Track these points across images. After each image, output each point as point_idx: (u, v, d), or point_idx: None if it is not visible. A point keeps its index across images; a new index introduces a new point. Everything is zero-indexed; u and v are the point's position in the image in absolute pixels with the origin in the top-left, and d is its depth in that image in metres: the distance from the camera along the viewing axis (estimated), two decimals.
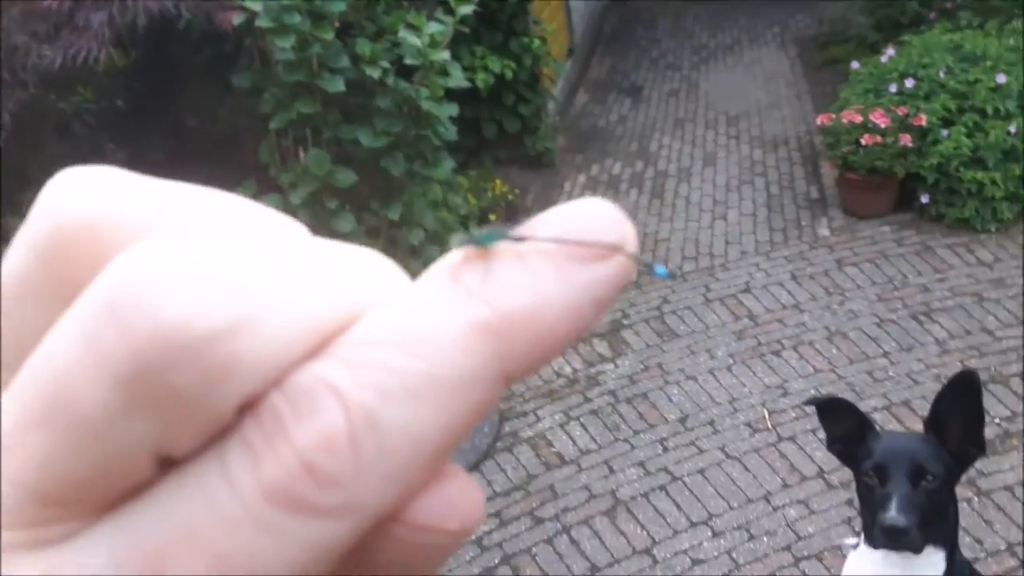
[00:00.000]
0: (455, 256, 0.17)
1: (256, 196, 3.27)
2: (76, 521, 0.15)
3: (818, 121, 4.15)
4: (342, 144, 3.42)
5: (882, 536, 1.36)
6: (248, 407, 0.15)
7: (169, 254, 0.14)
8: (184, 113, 4.59)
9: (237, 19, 3.10)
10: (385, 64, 3.23)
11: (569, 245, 0.16)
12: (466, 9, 3.43)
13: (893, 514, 1.33)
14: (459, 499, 0.16)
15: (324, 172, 3.23)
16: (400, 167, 3.41)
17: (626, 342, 3.40)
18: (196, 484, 0.15)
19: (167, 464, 0.15)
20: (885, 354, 3.11)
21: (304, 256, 0.16)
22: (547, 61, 4.82)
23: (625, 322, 3.52)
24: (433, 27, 3.28)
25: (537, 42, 4.65)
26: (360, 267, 0.17)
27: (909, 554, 1.39)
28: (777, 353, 3.20)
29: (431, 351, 0.15)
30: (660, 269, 0.20)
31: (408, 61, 3.26)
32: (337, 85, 3.16)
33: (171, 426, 0.14)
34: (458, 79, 3.45)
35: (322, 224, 3.37)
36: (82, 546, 0.15)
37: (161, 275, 0.14)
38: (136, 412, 0.14)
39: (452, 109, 3.46)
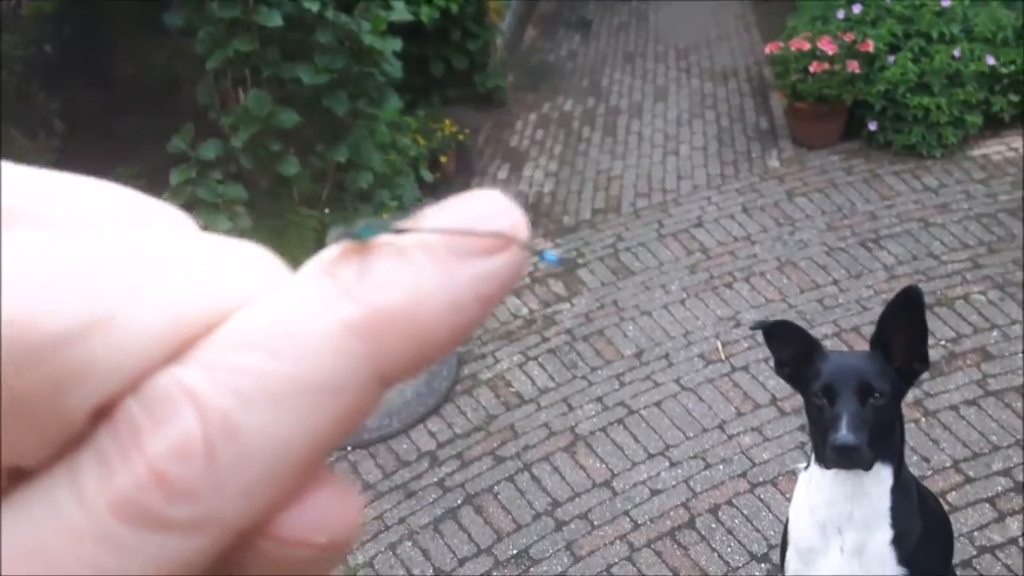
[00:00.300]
0: (332, 251, 0.16)
1: (196, 141, 3.16)
2: None
3: (767, 50, 4.12)
4: (283, 84, 3.29)
5: (833, 455, 1.38)
6: (104, 414, 0.14)
7: (19, 247, 0.14)
8: (118, 58, 4.38)
9: None
10: None
11: (455, 238, 0.16)
12: None
13: (844, 433, 1.35)
14: (330, 511, 0.15)
15: (265, 113, 3.11)
16: (344, 106, 3.31)
17: (582, 281, 3.39)
18: (45, 497, 0.14)
19: (18, 476, 0.14)
20: (835, 282, 3.15)
21: (177, 252, 0.15)
22: None
23: (580, 261, 3.51)
24: None
25: None
26: (238, 263, 0.16)
27: (858, 471, 1.42)
28: (729, 285, 3.23)
29: (296, 352, 0.14)
30: (550, 255, 0.19)
31: None
32: (274, 20, 3.03)
33: (17, 435, 0.14)
34: (401, 12, 3.34)
35: (266, 168, 3.28)
36: None
37: (8, 270, 0.13)
38: None
39: (396, 44, 3.35)
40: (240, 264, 0.16)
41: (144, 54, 4.36)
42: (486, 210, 0.16)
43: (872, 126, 3.86)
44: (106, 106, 4.42)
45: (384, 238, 0.16)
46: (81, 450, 0.14)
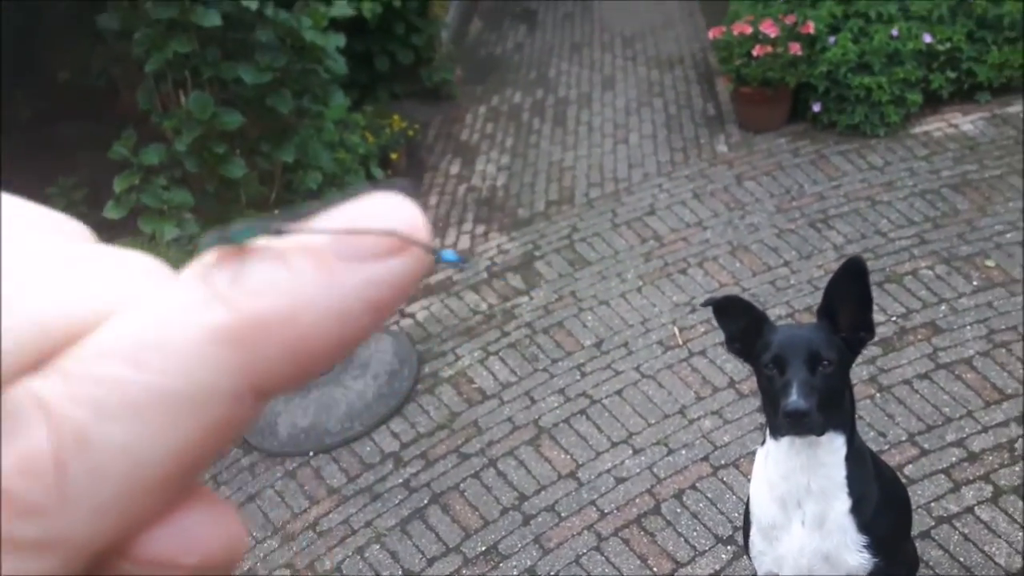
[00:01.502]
0: (208, 256, 0.15)
1: (137, 145, 3.07)
2: None
3: (710, 36, 4.16)
4: (225, 84, 3.22)
5: (785, 422, 1.40)
6: None
7: None
8: (53, 65, 4.25)
9: None
10: None
11: (343, 240, 0.15)
12: None
13: (794, 398, 1.38)
14: (202, 530, 0.14)
15: (208, 115, 3.04)
16: (288, 105, 3.25)
17: (539, 273, 3.39)
18: None
19: None
20: (786, 263, 3.20)
21: (50, 261, 0.14)
22: None
23: (536, 254, 3.50)
24: None
25: None
26: (119, 271, 0.15)
27: (812, 439, 1.44)
28: (683, 271, 3.25)
29: (159, 361, 0.13)
30: (448, 255, 0.18)
31: None
32: (212, 19, 2.96)
33: None
34: (342, 7, 3.29)
35: (211, 172, 3.20)
36: None
37: None
38: None
39: (338, 40, 3.30)
40: (121, 272, 0.15)
41: (81, 58, 4.23)
42: (381, 211, 0.15)
43: (816, 107, 3.92)
44: (43, 114, 4.28)
45: (262, 241, 0.15)
46: None
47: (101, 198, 3.67)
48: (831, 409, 1.44)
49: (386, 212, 0.15)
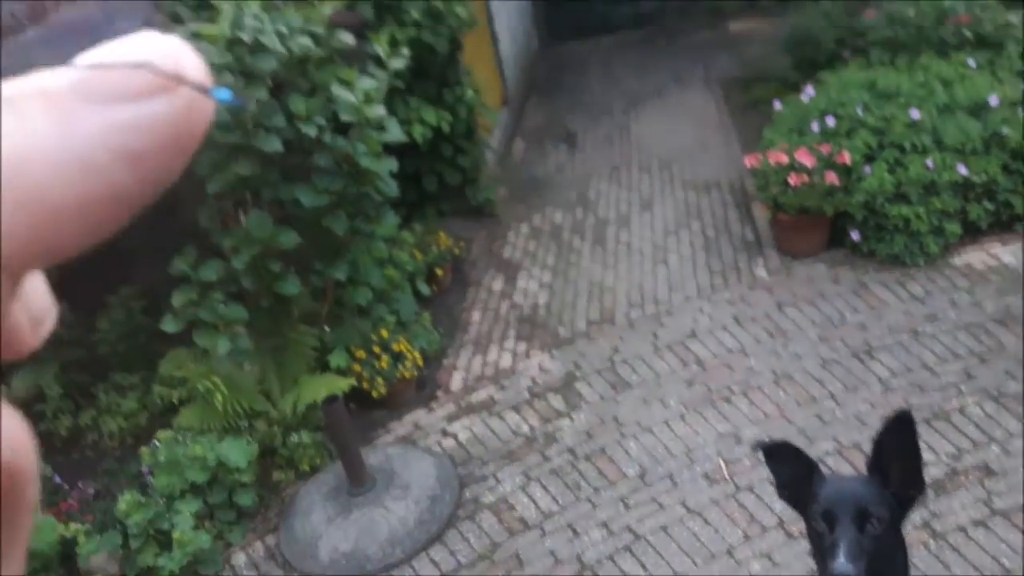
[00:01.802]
0: None
1: (197, 261, 3.18)
2: None
3: (747, 163, 4.27)
4: (283, 205, 3.35)
5: None
6: None
7: None
8: None
9: None
10: (321, 121, 3.19)
11: (91, 78, 0.13)
12: (399, 63, 3.43)
13: (841, 560, 1.35)
14: None
15: (267, 235, 3.15)
16: (343, 226, 3.36)
17: (580, 395, 3.40)
18: None
19: None
20: (831, 395, 3.18)
21: None
22: (482, 111, 4.85)
23: (578, 374, 3.52)
24: (367, 83, 3.27)
25: (471, 92, 4.67)
26: None
27: None
28: (727, 399, 3.25)
29: None
30: (222, 94, 0.16)
31: (344, 118, 3.24)
32: (274, 144, 3.09)
33: None
34: (395, 134, 3.43)
35: (266, 288, 3.29)
36: None
37: None
38: None
39: (391, 164, 3.43)
40: None
41: None
42: (142, 46, 0.13)
43: (855, 236, 3.97)
44: None
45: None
46: None
47: (158, 308, 3.78)
48: (881, 569, 1.40)
49: (147, 47, 0.13)
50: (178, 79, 0.13)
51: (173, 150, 0.13)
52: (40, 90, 0.13)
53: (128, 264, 4.31)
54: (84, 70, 0.13)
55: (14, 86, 0.13)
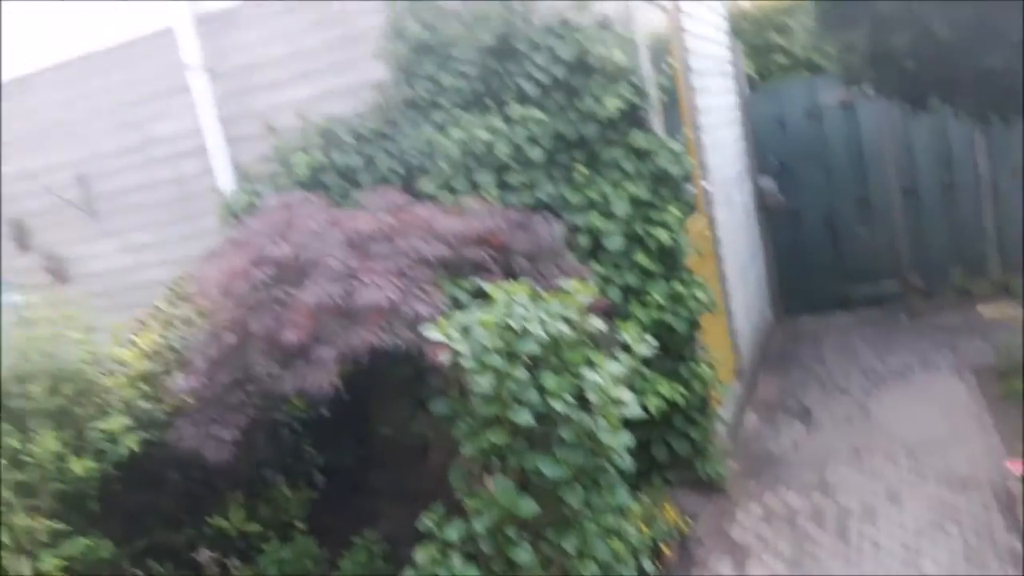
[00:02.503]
0: None
1: (442, 520, 3.43)
2: None
3: (1013, 470, 3.94)
4: (524, 472, 3.57)
5: None
6: None
7: None
8: (378, 422, 4.97)
9: (445, 357, 3.44)
10: (569, 399, 3.45)
11: None
12: (645, 350, 3.68)
13: None
14: None
15: (510, 502, 3.36)
16: (578, 498, 3.50)
17: None
18: None
19: None
20: None
21: None
22: (716, 385, 4.96)
23: None
24: (614, 367, 3.52)
25: (707, 368, 4.82)
26: None
27: None
28: None
29: None
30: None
31: (591, 397, 3.48)
32: (526, 418, 3.37)
33: None
34: (634, 410, 3.60)
35: (501, 553, 3.44)
36: None
37: None
38: None
39: (628, 439, 3.58)
40: None
41: (402, 419, 4.92)
42: None
43: None
44: (363, 462, 4.93)
45: None
46: None
47: (397, 556, 4.05)
48: None
49: None
50: None
51: None
52: None
53: (374, 502, 4.70)
54: None
55: None
